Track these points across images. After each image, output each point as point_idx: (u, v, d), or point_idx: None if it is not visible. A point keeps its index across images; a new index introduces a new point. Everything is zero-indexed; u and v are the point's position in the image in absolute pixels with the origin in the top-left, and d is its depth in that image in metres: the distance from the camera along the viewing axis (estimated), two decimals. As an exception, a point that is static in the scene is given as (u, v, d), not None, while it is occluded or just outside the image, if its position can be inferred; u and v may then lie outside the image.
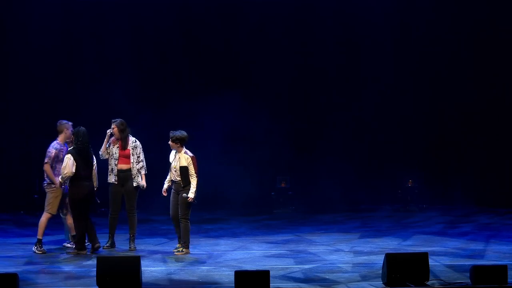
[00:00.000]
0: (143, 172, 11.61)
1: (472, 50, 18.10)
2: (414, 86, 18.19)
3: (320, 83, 18.24)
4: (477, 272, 8.58)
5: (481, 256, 10.94)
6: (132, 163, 11.54)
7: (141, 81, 17.52)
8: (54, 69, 17.48)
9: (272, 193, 17.31)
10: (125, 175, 11.52)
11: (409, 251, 10.73)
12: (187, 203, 11.13)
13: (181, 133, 11.21)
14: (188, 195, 11.05)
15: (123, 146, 11.55)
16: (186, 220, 11.20)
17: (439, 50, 18.17)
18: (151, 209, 15.13)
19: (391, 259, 8.70)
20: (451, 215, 16.20)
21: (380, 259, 9.40)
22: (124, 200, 11.64)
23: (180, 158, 11.16)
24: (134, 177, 11.53)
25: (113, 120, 11.71)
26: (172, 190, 11.33)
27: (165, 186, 11.35)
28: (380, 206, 17.40)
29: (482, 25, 18.00)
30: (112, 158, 11.54)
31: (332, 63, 18.12)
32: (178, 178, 11.16)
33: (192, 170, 11.11)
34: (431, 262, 8.96)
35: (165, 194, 11.40)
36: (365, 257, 10.88)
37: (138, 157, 11.58)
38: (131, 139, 11.64)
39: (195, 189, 11.07)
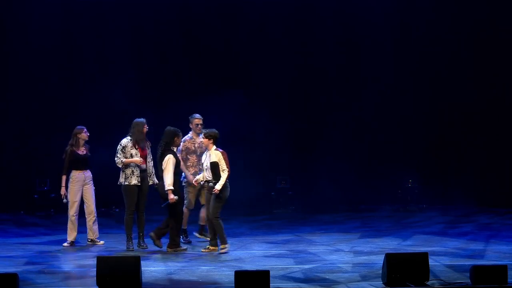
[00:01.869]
0: (153, 171, 11.87)
1: (472, 50, 18.09)
2: (414, 86, 18.18)
3: (320, 83, 18.23)
4: (477, 272, 8.58)
5: (481, 256, 10.94)
6: (148, 162, 11.75)
7: (141, 81, 17.52)
8: (54, 69, 17.48)
9: (272, 193, 17.30)
10: (144, 175, 11.70)
11: (409, 251, 10.72)
12: (216, 202, 11.22)
13: (214, 131, 11.38)
14: (215, 187, 11.13)
15: (144, 146, 11.69)
16: (216, 219, 11.27)
17: (439, 50, 18.16)
18: (150, 209, 15.10)
19: (391, 259, 8.70)
20: (451, 215, 16.20)
21: (380, 259, 9.40)
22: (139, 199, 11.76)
23: (211, 154, 11.30)
24: (150, 175, 11.77)
25: (143, 119, 11.79)
26: (206, 191, 11.45)
27: (198, 176, 11.55)
28: (380, 206, 17.40)
29: (482, 25, 18.00)
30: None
31: (332, 63, 18.12)
32: (211, 176, 11.28)
33: (224, 166, 11.23)
34: (431, 262, 8.96)
35: (196, 184, 11.75)
36: (365, 257, 10.88)
37: (151, 156, 11.83)
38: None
39: (223, 182, 11.14)
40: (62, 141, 16.88)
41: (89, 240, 12.22)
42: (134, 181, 11.57)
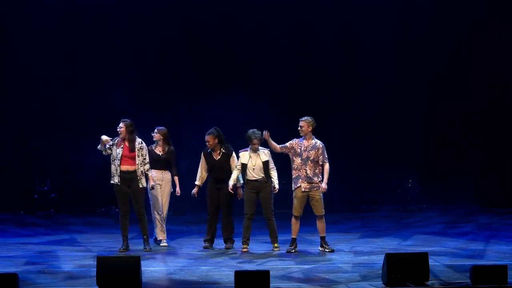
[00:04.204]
0: (150, 174, 11.54)
1: (472, 50, 18.11)
2: (414, 86, 18.20)
3: (320, 83, 18.24)
4: (477, 272, 8.57)
5: (481, 256, 10.94)
6: (138, 164, 11.41)
7: (141, 81, 17.53)
8: (54, 69, 17.49)
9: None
10: (131, 177, 11.39)
11: (409, 251, 10.72)
12: (272, 200, 11.51)
13: (259, 131, 11.55)
14: (276, 187, 11.47)
15: (131, 148, 11.42)
16: (273, 217, 11.55)
17: (439, 50, 18.17)
18: (149, 209, 15.11)
19: (391, 259, 8.69)
20: (451, 215, 16.20)
21: (380, 259, 9.39)
22: (132, 201, 11.54)
23: (259, 154, 11.51)
24: (140, 178, 11.42)
25: (122, 120, 11.62)
26: (249, 190, 11.50)
27: (231, 183, 11.55)
28: (380, 206, 17.40)
29: (482, 25, 18.01)
30: (116, 159, 11.44)
31: (332, 63, 18.13)
32: (262, 175, 11.44)
33: (272, 164, 11.56)
34: (431, 262, 8.95)
35: (232, 191, 11.65)
36: (365, 257, 10.88)
37: (145, 158, 11.47)
38: (137, 140, 11.53)
39: (277, 179, 11.52)
40: (62, 141, 17.00)
41: (157, 240, 12.13)
42: (115, 180, 11.43)
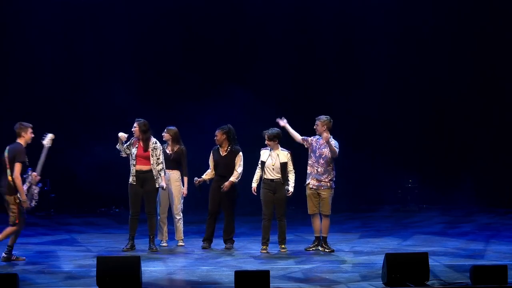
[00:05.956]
0: (163, 173, 11.50)
1: (472, 50, 18.11)
2: (414, 86, 18.20)
3: (320, 83, 18.24)
4: (477, 272, 8.58)
5: (481, 256, 10.94)
6: (152, 164, 11.41)
7: (141, 81, 17.52)
8: (54, 69, 17.49)
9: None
10: (145, 176, 11.40)
11: (409, 251, 10.73)
12: (286, 201, 11.47)
13: (277, 130, 11.50)
14: (290, 190, 11.38)
15: (144, 147, 11.42)
16: (285, 218, 11.52)
17: (439, 50, 18.18)
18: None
19: (391, 259, 8.69)
20: (451, 215, 16.21)
21: (380, 259, 9.39)
22: (144, 201, 11.53)
23: (279, 155, 11.44)
24: (157, 178, 11.42)
25: (136, 119, 11.59)
26: (265, 190, 11.47)
27: (254, 185, 11.57)
28: (380, 206, 17.39)
29: (482, 25, 18.02)
30: (131, 159, 11.45)
31: (332, 63, 18.14)
32: (278, 175, 11.39)
33: (291, 166, 11.45)
34: (431, 262, 8.95)
35: (256, 193, 11.61)
36: (365, 257, 10.88)
37: (158, 158, 11.44)
38: (152, 140, 11.52)
39: (293, 183, 11.44)
40: (62, 141, 16.98)
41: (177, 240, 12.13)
42: (130, 179, 11.46)
